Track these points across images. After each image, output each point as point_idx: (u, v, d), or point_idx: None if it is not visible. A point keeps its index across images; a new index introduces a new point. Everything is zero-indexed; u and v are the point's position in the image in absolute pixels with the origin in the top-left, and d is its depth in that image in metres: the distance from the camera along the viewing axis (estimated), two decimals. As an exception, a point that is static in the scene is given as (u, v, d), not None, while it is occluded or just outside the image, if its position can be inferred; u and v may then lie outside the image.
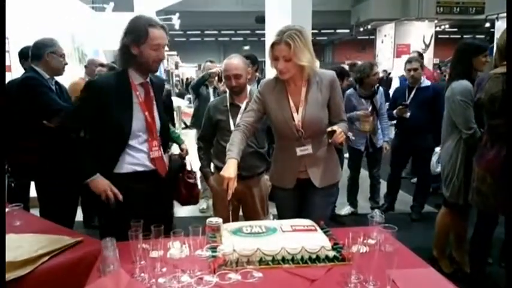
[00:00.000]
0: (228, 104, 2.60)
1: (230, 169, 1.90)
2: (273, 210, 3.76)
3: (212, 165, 2.78)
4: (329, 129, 1.99)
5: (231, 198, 1.89)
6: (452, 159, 2.85)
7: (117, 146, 1.98)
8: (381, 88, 4.33)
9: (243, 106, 2.55)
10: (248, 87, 2.64)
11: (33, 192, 3.02)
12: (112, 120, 1.94)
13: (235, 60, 2.54)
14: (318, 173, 2.15)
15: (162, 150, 2.13)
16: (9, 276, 1.55)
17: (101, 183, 1.96)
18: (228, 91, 2.65)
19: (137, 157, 2.02)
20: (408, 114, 3.99)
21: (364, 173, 4.50)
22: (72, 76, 4.15)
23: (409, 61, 4.07)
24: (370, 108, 4.07)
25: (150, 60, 1.97)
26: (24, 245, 1.73)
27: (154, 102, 2.10)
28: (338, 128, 1.96)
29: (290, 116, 2.08)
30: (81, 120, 2.04)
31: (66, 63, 2.95)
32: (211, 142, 2.73)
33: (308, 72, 2.05)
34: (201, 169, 2.78)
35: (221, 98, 2.73)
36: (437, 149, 3.38)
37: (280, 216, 2.28)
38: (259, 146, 2.62)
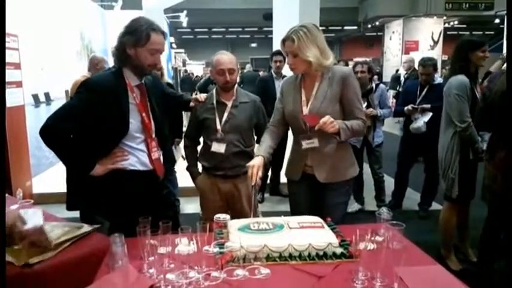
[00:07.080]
0: (215, 102, 2.51)
1: (255, 160, 2.09)
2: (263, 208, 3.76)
3: (200, 166, 2.68)
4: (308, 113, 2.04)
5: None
6: (448, 153, 2.90)
7: (111, 146, 1.95)
8: (381, 85, 4.32)
9: (229, 104, 2.49)
10: (235, 86, 2.57)
11: (53, 188, 2.99)
12: (107, 120, 1.90)
13: (229, 55, 2.48)
14: (322, 168, 2.15)
15: (160, 151, 2.14)
16: (33, 260, 1.61)
17: (100, 167, 1.93)
18: (215, 89, 2.57)
19: (137, 155, 2.01)
20: (417, 116, 3.96)
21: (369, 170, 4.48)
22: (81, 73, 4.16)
23: (422, 65, 4.00)
24: (364, 105, 4.06)
25: (145, 64, 1.95)
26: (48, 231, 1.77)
27: (148, 103, 2.07)
28: (328, 117, 1.97)
29: (299, 109, 2.15)
30: (73, 119, 1.89)
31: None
32: (197, 140, 2.66)
33: (315, 68, 2.07)
34: (187, 168, 2.68)
35: (208, 96, 2.60)
36: None
37: (293, 213, 2.28)
38: (246, 145, 2.52)
